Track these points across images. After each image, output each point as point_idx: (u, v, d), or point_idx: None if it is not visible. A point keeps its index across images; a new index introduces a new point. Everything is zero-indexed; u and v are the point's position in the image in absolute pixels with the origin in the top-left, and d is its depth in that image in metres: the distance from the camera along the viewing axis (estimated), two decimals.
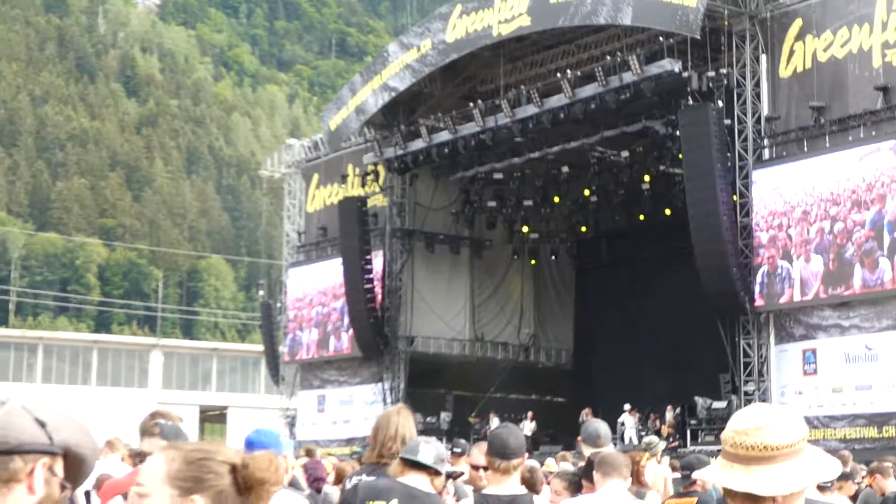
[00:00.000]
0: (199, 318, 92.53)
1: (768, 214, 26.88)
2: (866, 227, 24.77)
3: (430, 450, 5.51)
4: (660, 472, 10.05)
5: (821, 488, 8.56)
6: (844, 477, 10.31)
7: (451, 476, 7.16)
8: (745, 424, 2.90)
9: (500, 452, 6.00)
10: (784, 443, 2.88)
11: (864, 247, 24.69)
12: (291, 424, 40.00)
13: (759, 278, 26.78)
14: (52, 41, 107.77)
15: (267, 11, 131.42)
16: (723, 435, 2.90)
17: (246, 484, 2.43)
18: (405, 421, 6.08)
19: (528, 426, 32.35)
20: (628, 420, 30.61)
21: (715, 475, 2.92)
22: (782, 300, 26.50)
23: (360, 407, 36.50)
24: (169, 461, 2.44)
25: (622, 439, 30.12)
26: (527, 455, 6.45)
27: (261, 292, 48.58)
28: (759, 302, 26.78)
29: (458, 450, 12.14)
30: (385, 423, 6.08)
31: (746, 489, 2.85)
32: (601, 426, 7.89)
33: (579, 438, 8.20)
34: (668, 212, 33.33)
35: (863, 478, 11.83)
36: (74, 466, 2.48)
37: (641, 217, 34.88)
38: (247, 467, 2.44)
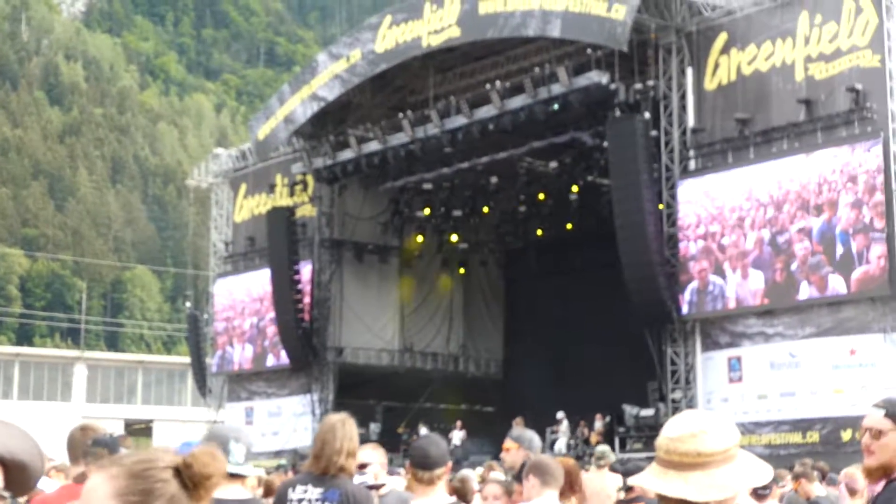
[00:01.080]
0: (124, 329, 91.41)
1: (696, 224, 27.28)
2: (813, 238, 25.11)
3: (241, 448, 5.24)
4: (608, 484, 10.15)
5: (760, 496, 8.67)
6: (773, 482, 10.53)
7: (374, 487, 7.20)
8: (679, 431, 2.94)
9: (421, 463, 6.05)
10: (718, 449, 2.93)
11: (810, 261, 25.02)
12: None
13: (687, 296, 27.11)
14: None
15: (194, 20, 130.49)
16: (657, 442, 2.94)
17: (193, 482, 2.41)
18: (349, 432, 6.06)
19: (458, 436, 32.47)
20: (559, 429, 30.85)
21: (649, 482, 2.96)
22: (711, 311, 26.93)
23: (289, 419, 36.40)
24: (112, 479, 2.38)
25: (552, 448, 30.35)
26: (450, 464, 6.46)
27: (187, 303, 48.18)
28: (685, 311, 27.17)
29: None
30: (331, 437, 6.02)
31: (681, 496, 2.90)
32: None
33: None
34: (595, 222, 33.66)
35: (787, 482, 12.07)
36: (15, 474, 2.49)
37: (569, 227, 35.24)
38: (190, 466, 2.41)
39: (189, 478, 2.40)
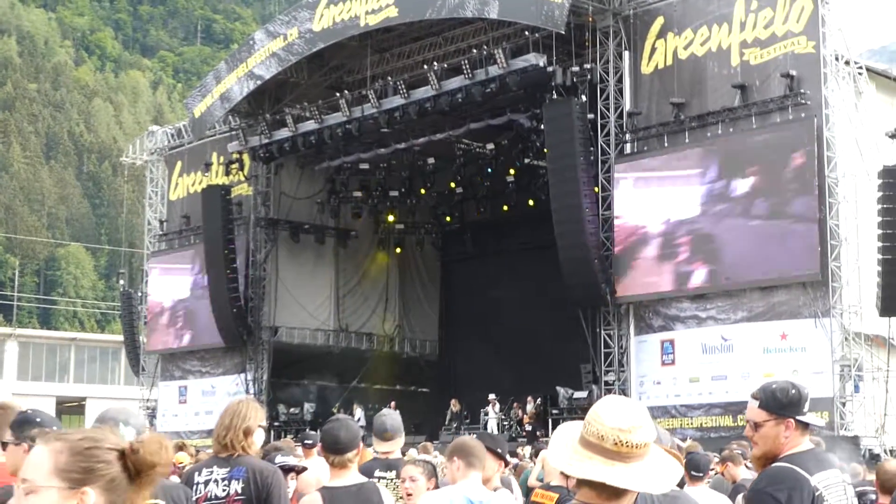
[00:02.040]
0: (58, 307, 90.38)
1: (630, 207, 27.33)
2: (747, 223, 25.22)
3: (130, 432, 5.01)
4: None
5: (694, 479, 8.66)
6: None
7: (294, 470, 7.06)
8: (627, 422, 2.93)
9: (333, 448, 6.08)
10: (651, 440, 2.98)
11: (743, 246, 25.14)
12: (152, 416, 39.35)
13: (621, 278, 27.16)
14: None
15: None
16: (598, 431, 2.91)
17: (137, 468, 2.41)
18: (245, 411, 6.01)
19: (358, 413, 32.74)
20: (491, 410, 30.87)
21: (598, 473, 2.92)
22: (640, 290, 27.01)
23: (223, 398, 36.00)
24: (56, 453, 2.38)
25: (485, 429, 30.36)
26: (362, 446, 6.41)
27: (121, 281, 47.64)
28: (619, 293, 27.23)
29: (308, 441, 12.00)
30: (224, 413, 6.04)
31: (643, 489, 2.93)
32: (388, 419, 7.66)
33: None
34: (531, 203, 33.71)
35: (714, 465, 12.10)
36: None
37: (505, 209, 35.22)
38: (136, 452, 2.41)
39: (134, 463, 2.41)
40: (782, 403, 4.61)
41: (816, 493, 4.43)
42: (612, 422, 2.92)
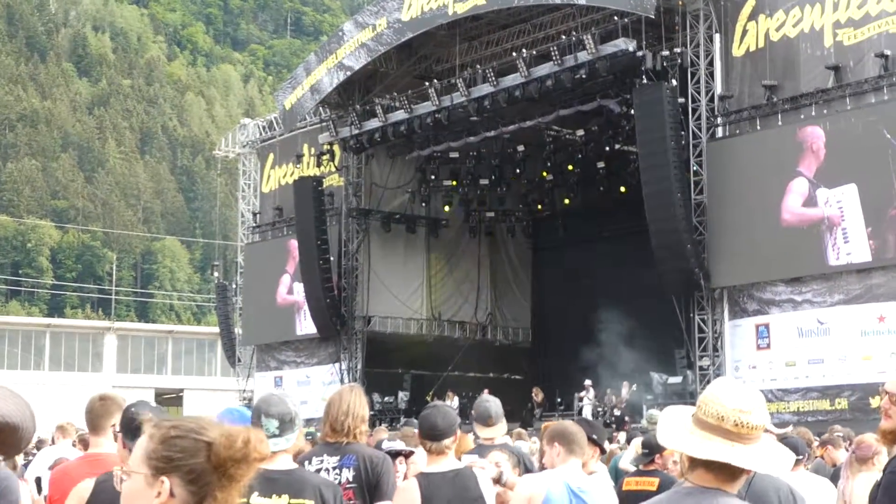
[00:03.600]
0: (154, 300, 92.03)
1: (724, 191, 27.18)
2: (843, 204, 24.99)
3: (272, 423, 5.13)
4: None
5: (796, 462, 8.65)
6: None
7: (402, 454, 7.25)
8: (748, 403, 3.00)
9: (430, 434, 6.12)
10: (767, 423, 3.06)
11: (840, 227, 24.89)
12: (248, 406, 39.97)
13: (715, 263, 27.05)
14: (2, 20, 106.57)
15: None
16: (719, 412, 2.97)
17: (217, 463, 2.38)
18: (357, 399, 6.10)
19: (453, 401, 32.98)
20: (586, 396, 30.95)
21: (719, 452, 2.97)
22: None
23: (318, 387, 36.57)
24: (149, 439, 2.42)
25: (579, 415, 30.45)
26: (459, 433, 6.48)
27: (216, 273, 48.44)
28: (713, 278, 27.13)
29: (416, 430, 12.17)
30: (337, 399, 6.11)
31: (766, 469, 3.00)
32: (492, 405, 7.73)
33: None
34: (623, 190, 33.65)
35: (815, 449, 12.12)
36: (6, 436, 2.54)
37: (596, 195, 35.16)
38: (214, 445, 2.39)
39: (214, 457, 2.38)
40: None
41: None
42: (733, 403, 2.98)
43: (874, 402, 23.27)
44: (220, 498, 2.39)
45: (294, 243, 36.79)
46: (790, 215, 25.83)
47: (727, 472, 2.98)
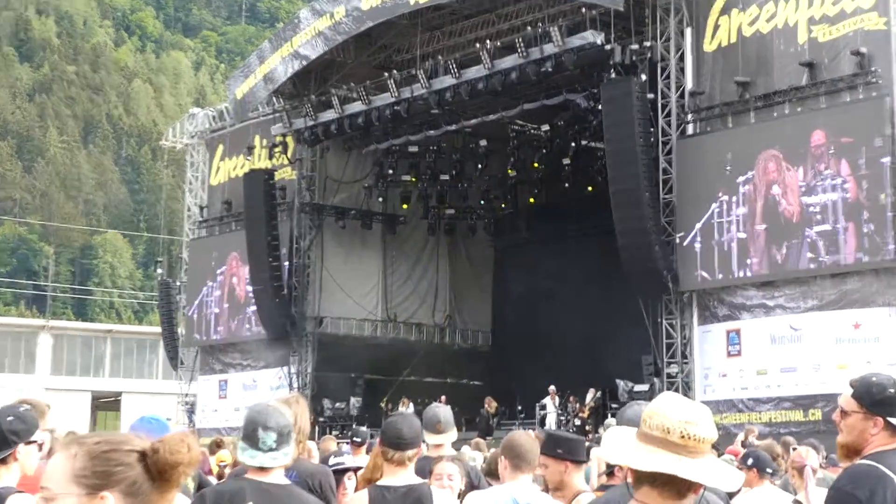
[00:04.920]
0: (93, 297, 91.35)
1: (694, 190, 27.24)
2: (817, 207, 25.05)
3: (271, 435, 5.09)
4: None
5: (763, 477, 8.62)
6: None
7: (353, 470, 7.13)
8: (693, 415, 2.98)
9: (394, 443, 5.98)
10: (714, 438, 3.01)
11: (813, 230, 24.96)
12: (190, 411, 39.70)
13: (684, 265, 27.10)
14: None
15: None
16: (664, 424, 2.95)
17: (158, 469, 2.41)
18: (303, 411, 6.02)
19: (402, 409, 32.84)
20: (549, 403, 30.93)
21: (665, 465, 2.95)
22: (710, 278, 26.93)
23: (265, 392, 36.27)
24: (72, 458, 2.39)
25: (542, 424, 30.41)
26: (422, 446, 6.38)
27: (160, 270, 48.11)
28: (682, 281, 27.16)
29: (357, 439, 12.06)
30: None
31: (713, 483, 2.95)
32: (441, 410, 7.67)
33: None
34: (589, 188, 33.71)
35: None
36: None
37: (561, 193, 35.20)
38: (157, 452, 2.42)
39: (154, 464, 2.41)
40: (875, 399, 4.57)
41: None
42: (679, 415, 2.97)
43: None
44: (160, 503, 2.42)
45: (243, 239, 36.53)
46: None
47: (673, 489, 2.96)
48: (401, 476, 5.98)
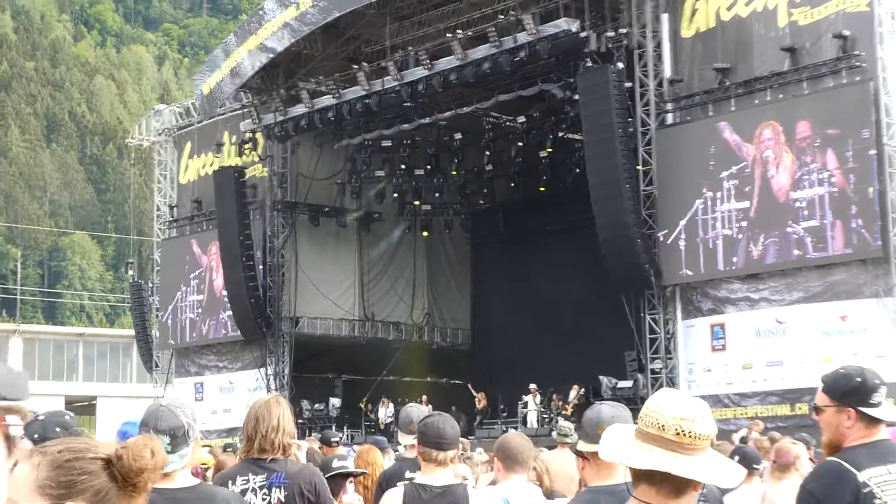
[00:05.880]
0: (63, 300, 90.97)
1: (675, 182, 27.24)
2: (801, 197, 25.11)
3: (163, 439, 4.82)
4: (570, 464, 9.92)
5: (752, 473, 8.76)
6: None
7: (353, 475, 7.13)
8: (690, 412, 2.98)
9: (436, 443, 5.96)
10: (712, 434, 3.02)
11: (798, 222, 25.01)
12: None
13: (667, 258, 27.13)
14: None
15: None
16: (659, 421, 2.96)
17: (123, 476, 2.42)
18: (286, 412, 5.98)
19: (383, 412, 33.05)
20: (531, 401, 30.93)
21: (659, 462, 2.96)
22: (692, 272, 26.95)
23: (242, 394, 36.28)
24: (35, 469, 2.40)
25: (524, 422, 30.44)
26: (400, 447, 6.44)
27: (130, 272, 47.90)
28: (665, 275, 27.17)
29: (334, 440, 12.15)
30: (266, 413, 5.93)
31: (709, 480, 2.96)
32: (414, 410, 7.74)
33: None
34: (568, 180, 33.65)
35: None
36: None
37: (540, 186, 35.14)
38: (121, 458, 2.43)
39: (119, 471, 2.42)
40: (843, 391, 4.65)
41: (865, 490, 4.45)
42: (674, 411, 2.97)
43: None
44: None
45: (215, 238, 36.39)
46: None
47: (671, 487, 2.97)
48: (438, 476, 5.98)
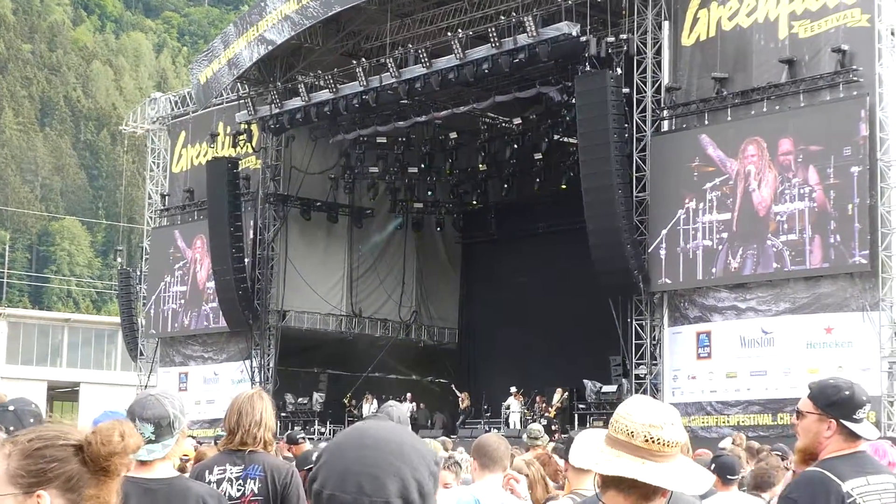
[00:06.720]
0: (50, 285, 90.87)
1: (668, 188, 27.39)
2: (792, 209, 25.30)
3: (147, 427, 4.86)
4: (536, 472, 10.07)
5: (729, 483, 8.75)
6: None
7: None
8: (658, 419, 3.02)
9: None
10: (682, 441, 3.07)
11: (787, 233, 25.18)
12: None
13: (655, 265, 27.28)
14: None
15: None
16: (629, 427, 3.02)
17: (93, 461, 2.41)
18: (267, 407, 6.09)
19: (407, 408, 32.73)
20: (514, 403, 31.05)
21: (626, 469, 3.01)
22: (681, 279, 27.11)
23: (226, 386, 36.36)
24: (6, 458, 2.40)
25: (506, 424, 30.56)
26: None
27: (119, 259, 47.96)
28: (653, 281, 27.34)
29: (300, 437, 12.34)
30: (249, 408, 6.04)
31: (676, 487, 3.01)
32: (395, 410, 7.93)
33: None
34: (561, 184, 33.78)
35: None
36: None
37: (533, 189, 35.27)
38: (90, 444, 2.41)
39: (89, 455, 2.40)
40: (830, 401, 4.67)
41: (849, 500, 4.49)
42: (643, 418, 3.01)
43: None
44: (98, 496, 2.42)
45: (205, 228, 36.46)
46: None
47: (638, 494, 3.00)
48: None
